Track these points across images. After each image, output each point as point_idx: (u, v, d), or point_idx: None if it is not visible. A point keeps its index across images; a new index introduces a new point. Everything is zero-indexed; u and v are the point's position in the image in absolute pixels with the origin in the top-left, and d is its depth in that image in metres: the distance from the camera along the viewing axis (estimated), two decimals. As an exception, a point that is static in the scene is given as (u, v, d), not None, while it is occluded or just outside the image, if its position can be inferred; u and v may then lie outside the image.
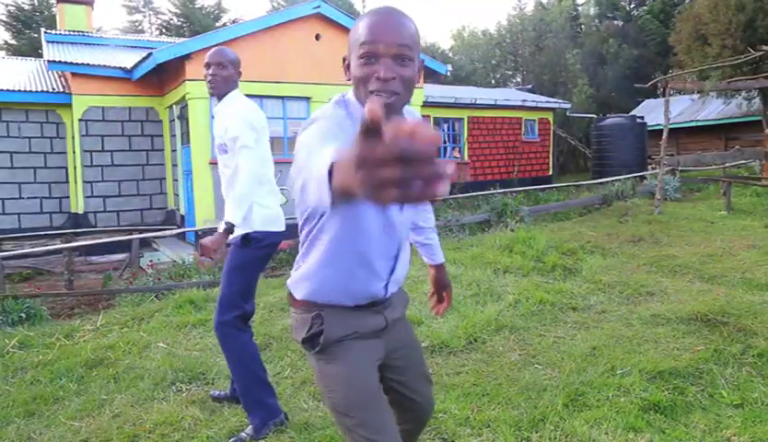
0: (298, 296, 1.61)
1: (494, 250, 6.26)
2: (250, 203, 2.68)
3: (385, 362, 1.64)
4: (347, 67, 1.48)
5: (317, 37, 10.38)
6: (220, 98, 2.82)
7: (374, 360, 1.60)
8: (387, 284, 1.58)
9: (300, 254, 1.61)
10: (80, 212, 10.72)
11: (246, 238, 2.72)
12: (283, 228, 2.89)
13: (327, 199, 0.89)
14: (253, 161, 2.66)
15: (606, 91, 25.15)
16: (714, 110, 19.30)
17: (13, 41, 24.37)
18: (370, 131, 0.71)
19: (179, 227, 10.47)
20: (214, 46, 9.96)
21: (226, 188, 2.84)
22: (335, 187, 0.86)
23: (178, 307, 4.93)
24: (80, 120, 10.50)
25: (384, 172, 0.68)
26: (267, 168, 2.83)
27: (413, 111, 1.62)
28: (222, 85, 2.78)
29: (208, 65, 2.80)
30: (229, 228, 2.61)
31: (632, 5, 29.00)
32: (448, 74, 13.06)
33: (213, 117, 2.89)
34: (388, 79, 1.34)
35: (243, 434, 2.70)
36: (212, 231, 8.86)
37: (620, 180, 11.82)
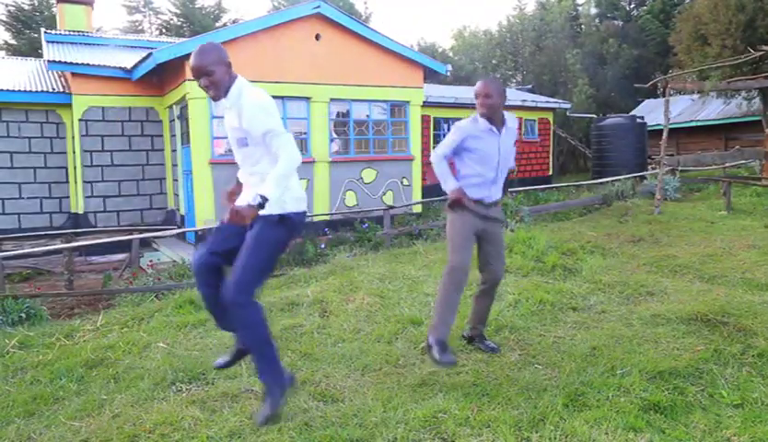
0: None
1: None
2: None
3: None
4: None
5: (317, 37, 10.38)
6: (225, 95, 2.77)
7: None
8: None
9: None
10: (80, 212, 10.72)
11: (283, 218, 2.74)
12: (305, 208, 2.89)
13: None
14: (291, 144, 2.66)
15: (606, 91, 25.15)
16: (714, 110, 19.31)
17: (13, 41, 24.37)
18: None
19: (179, 227, 10.47)
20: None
21: (250, 173, 2.85)
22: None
23: (178, 307, 4.93)
24: (80, 120, 10.50)
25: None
26: None
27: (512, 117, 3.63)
28: (219, 88, 2.72)
29: (196, 77, 2.72)
30: (263, 203, 2.59)
31: (632, 5, 29.01)
32: (448, 74, 13.07)
33: (226, 109, 2.86)
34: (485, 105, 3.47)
35: (267, 411, 2.72)
36: (212, 231, 8.80)
37: (620, 180, 11.81)
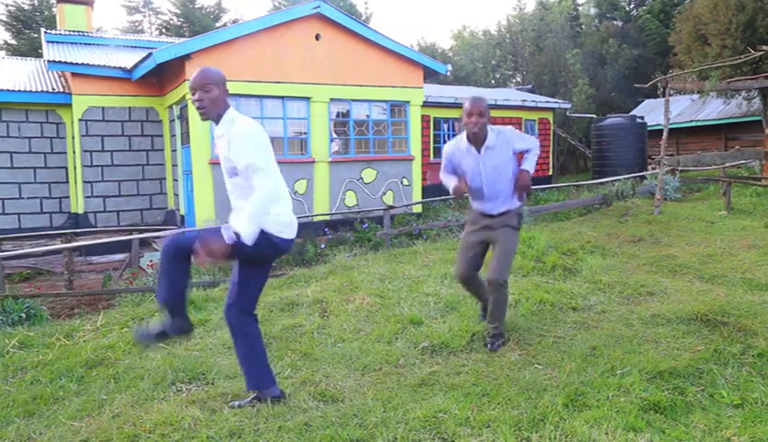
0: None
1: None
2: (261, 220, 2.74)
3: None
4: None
5: (317, 37, 10.38)
6: (216, 120, 2.76)
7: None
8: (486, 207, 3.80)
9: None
10: (80, 212, 10.73)
11: (263, 233, 2.74)
12: (293, 236, 2.89)
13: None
14: (267, 182, 2.64)
15: (606, 91, 25.15)
16: (714, 110, 19.32)
17: (13, 41, 24.38)
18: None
19: (179, 227, 10.47)
20: (214, 46, 9.88)
21: (239, 199, 2.84)
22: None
23: (178, 307, 4.92)
24: (80, 120, 10.50)
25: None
26: (279, 180, 2.83)
27: (499, 129, 3.68)
28: (211, 108, 2.72)
29: (193, 91, 2.73)
30: (237, 240, 2.64)
31: (632, 5, 29.00)
32: (448, 74, 13.07)
33: (218, 137, 2.85)
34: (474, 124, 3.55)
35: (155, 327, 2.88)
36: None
37: (620, 180, 11.81)
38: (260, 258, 2.86)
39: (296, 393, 3.14)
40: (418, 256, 6.60)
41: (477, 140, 3.59)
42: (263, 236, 2.74)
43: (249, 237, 2.63)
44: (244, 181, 2.73)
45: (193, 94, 2.73)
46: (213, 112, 2.73)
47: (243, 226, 2.61)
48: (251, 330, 2.91)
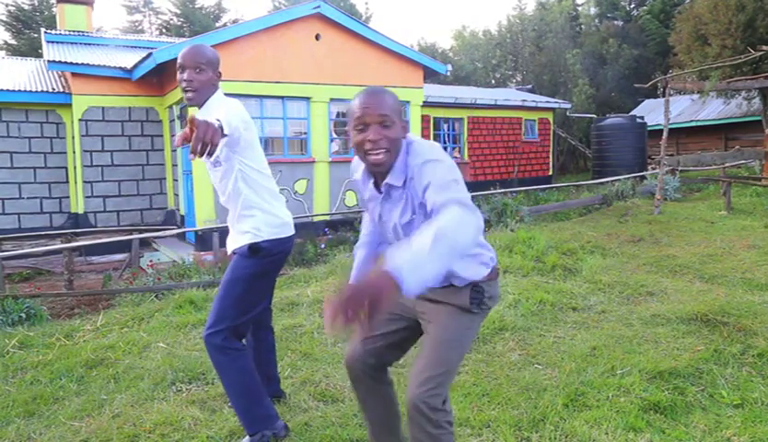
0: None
1: (494, 250, 6.26)
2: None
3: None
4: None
5: (317, 37, 10.38)
6: (199, 106, 2.44)
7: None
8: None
9: None
10: (80, 212, 10.72)
11: (252, 248, 2.50)
12: (291, 232, 2.64)
13: None
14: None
15: (606, 91, 25.16)
16: (714, 110, 19.32)
17: (13, 41, 24.38)
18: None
19: (179, 227, 10.47)
20: (214, 46, 9.89)
21: (227, 202, 2.62)
22: None
23: (178, 307, 4.93)
24: (80, 120, 10.50)
25: None
26: (267, 170, 2.61)
27: (412, 149, 1.81)
28: (200, 92, 2.40)
29: (182, 68, 2.37)
30: (222, 126, 2.08)
31: (632, 6, 29.01)
32: (448, 74, 13.07)
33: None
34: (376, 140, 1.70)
35: None
36: (212, 231, 8.72)
37: (620, 180, 11.82)
38: (258, 274, 2.55)
39: (296, 393, 3.14)
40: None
41: (380, 172, 1.84)
42: (252, 248, 2.50)
43: (249, 229, 2.50)
44: (227, 171, 2.50)
45: (182, 72, 2.38)
46: (200, 98, 2.42)
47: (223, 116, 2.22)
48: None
